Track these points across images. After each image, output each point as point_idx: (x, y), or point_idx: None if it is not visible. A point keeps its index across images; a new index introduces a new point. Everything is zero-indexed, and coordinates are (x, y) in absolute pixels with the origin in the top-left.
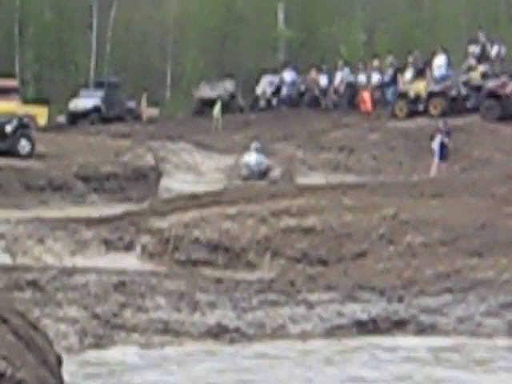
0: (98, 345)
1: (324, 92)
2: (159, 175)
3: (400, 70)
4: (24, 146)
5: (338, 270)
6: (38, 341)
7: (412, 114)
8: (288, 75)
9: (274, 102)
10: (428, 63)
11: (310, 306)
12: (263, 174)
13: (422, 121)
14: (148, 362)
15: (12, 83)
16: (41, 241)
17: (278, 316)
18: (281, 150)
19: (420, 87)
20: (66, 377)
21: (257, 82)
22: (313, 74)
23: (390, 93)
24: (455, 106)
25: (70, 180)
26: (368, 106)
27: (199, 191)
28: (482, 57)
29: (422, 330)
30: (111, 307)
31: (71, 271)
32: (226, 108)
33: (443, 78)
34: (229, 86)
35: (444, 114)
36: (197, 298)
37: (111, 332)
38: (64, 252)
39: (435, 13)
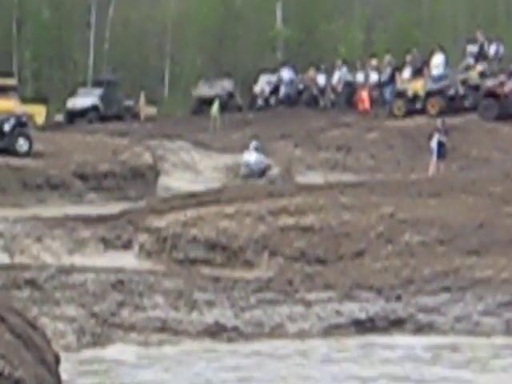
0: (95, 343)
1: (322, 91)
2: (157, 174)
3: (398, 69)
4: (22, 144)
5: (336, 269)
6: (35, 339)
7: (410, 113)
8: (286, 74)
9: (272, 100)
10: (426, 62)
11: (308, 304)
12: (262, 172)
13: (420, 120)
14: (146, 360)
15: (10, 82)
16: (39, 239)
17: (276, 315)
18: (279, 148)
19: (418, 86)
20: (63, 375)
21: (255, 80)
22: (311, 72)
23: (388, 92)
24: (453, 105)
25: (68, 178)
26: (366, 104)
27: (197, 190)
28: (480, 56)
29: (420, 329)
30: (109, 306)
31: (69, 270)
32: (224, 107)
33: (441, 77)
34: (227, 84)
35: (442, 113)
36: (195, 297)
37: (109, 330)
38: (62, 251)
39: (433, 12)
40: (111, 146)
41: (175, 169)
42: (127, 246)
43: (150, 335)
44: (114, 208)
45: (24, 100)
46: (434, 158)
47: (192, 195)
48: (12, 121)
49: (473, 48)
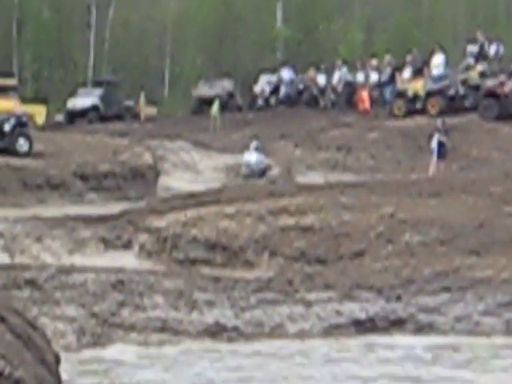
0: (95, 343)
1: (322, 91)
2: (157, 174)
3: (398, 69)
4: (22, 144)
5: (336, 269)
6: (36, 339)
7: (410, 113)
8: (286, 74)
9: (273, 101)
10: (426, 62)
11: (308, 304)
12: (262, 173)
13: (420, 120)
14: (146, 360)
15: (10, 82)
16: (39, 239)
17: (276, 315)
18: (279, 148)
19: (418, 86)
20: (63, 375)
21: (255, 80)
22: (311, 73)
23: (388, 92)
24: (453, 105)
25: (68, 179)
26: (366, 104)
27: (197, 190)
28: (481, 56)
29: (420, 329)
30: (109, 306)
31: (69, 270)
32: (224, 107)
33: (441, 77)
34: (227, 84)
35: (442, 113)
36: (195, 297)
37: (109, 331)
38: (62, 251)
39: (434, 12)
40: (111, 146)
41: (175, 169)
42: (127, 246)
43: (150, 335)
44: (114, 208)
45: (24, 100)
46: (434, 158)
47: (192, 195)
48: (12, 121)
49: (473, 48)
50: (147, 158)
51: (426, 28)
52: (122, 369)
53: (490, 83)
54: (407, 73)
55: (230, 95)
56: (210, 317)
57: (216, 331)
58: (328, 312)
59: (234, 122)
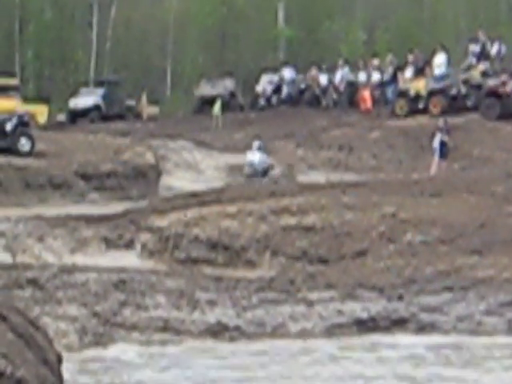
0: (97, 343)
1: (324, 90)
2: (159, 173)
3: (400, 68)
4: (24, 144)
5: (337, 269)
6: (37, 339)
7: (412, 112)
8: (288, 74)
9: (274, 100)
10: (428, 62)
11: (310, 304)
12: (264, 172)
13: (422, 119)
14: (148, 360)
15: (12, 81)
16: (41, 239)
17: (278, 314)
18: (281, 148)
19: (420, 86)
20: (65, 375)
21: (257, 80)
22: (313, 72)
23: (390, 91)
24: (455, 104)
25: (70, 178)
26: (368, 104)
27: (199, 189)
28: (482, 55)
29: (422, 329)
30: (111, 305)
31: (71, 269)
32: (226, 106)
33: (443, 77)
34: (229, 84)
35: (444, 113)
36: (197, 297)
37: (111, 330)
38: (64, 250)
39: (435, 11)
40: (113, 145)
41: (177, 168)
42: (129, 245)
43: (152, 335)
44: (116, 207)
45: (26, 100)
46: (436, 157)
47: (194, 195)
48: (14, 120)
49: (475, 47)
50: (149, 158)
51: (427, 27)
52: (124, 368)
53: (491, 83)
54: (409, 72)
55: (232, 95)
56: (211, 316)
57: (218, 331)
58: (330, 311)
59: (236, 122)
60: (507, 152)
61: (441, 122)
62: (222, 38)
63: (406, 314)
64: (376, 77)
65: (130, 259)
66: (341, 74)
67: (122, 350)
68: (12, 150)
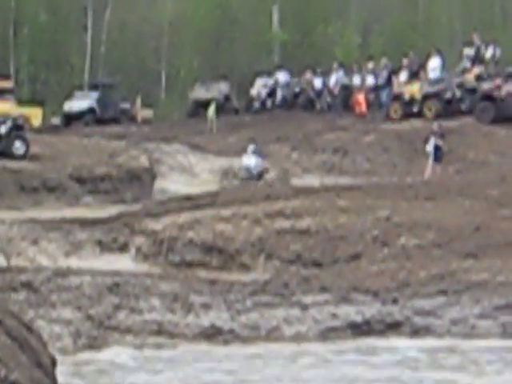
0: (92, 346)
1: (319, 94)
2: (153, 177)
3: (395, 72)
4: (18, 147)
5: (332, 272)
6: (31, 342)
7: (406, 116)
8: (282, 77)
9: (269, 103)
10: (423, 65)
11: (305, 307)
12: (259, 175)
13: (416, 123)
14: (142, 363)
15: (7, 84)
16: (35, 242)
17: (272, 318)
18: (275, 151)
19: (414, 89)
20: (59, 378)
21: (251, 83)
22: (307, 75)
23: (384, 95)
24: (450, 108)
25: (65, 181)
26: (362, 108)
27: (193, 193)
28: (477, 59)
29: (416, 332)
30: (105, 309)
31: (65, 272)
32: (220, 110)
33: (438, 81)
34: (223, 87)
35: (438, 116)
36: (191, 300)
37: (105, 333)
38: (58, 253)
39: (430, 15)
40: (108, 148)
41: (172, 172)
42: (123, 248)
43: (147, 338)
44: (111, 211)
45: (20, 103)
46: (431, 161)
47: (188, 198)
48: (8, 123)
49: (469, 51)
50: (143, 161)
51: (422, 31)
52: (118, 371)
53: (486, 86)
54: (403, 76)
55: (227, 98)
56: (206, 320)
57: (212, 334)
58: (324, 315)
59: (231, 125)
60: (501, 155)
61: (435, 125)
62: (217, 42)
63: (400, 318)
64: (370, 80)
65: (124, 262)
66: (335, 78)
67: (116, 353)
68: (6, 153)
